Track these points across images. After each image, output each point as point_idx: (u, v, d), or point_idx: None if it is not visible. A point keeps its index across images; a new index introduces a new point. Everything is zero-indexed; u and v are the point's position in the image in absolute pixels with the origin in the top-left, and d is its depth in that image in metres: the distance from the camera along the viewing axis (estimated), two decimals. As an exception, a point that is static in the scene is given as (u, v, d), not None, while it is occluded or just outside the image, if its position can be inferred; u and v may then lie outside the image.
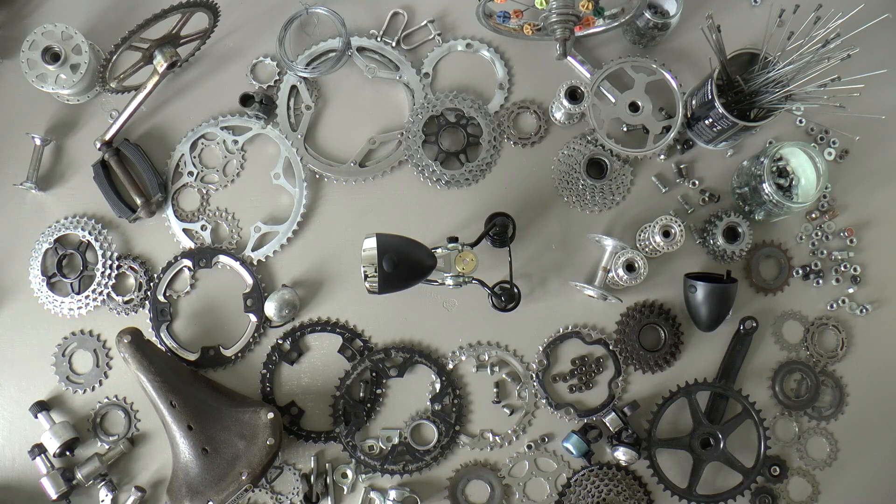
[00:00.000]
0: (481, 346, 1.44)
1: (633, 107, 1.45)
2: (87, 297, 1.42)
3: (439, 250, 1.32)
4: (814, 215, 1.48)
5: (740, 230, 1.42)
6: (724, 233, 1.42)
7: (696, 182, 1.48)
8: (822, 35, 1.29)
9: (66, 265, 1.44)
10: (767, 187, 1.33)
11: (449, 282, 1.32)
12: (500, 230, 1.41)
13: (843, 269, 1.47)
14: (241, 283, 1.44)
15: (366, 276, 1.22)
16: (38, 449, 1.37)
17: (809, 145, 1.38)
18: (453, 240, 1.33)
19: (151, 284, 1.43)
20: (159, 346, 1.41)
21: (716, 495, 1.38)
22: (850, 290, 1.47)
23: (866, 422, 1.45)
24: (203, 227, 1.45)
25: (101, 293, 1.43)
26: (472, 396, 1.44)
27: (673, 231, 1.35)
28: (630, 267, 1.35)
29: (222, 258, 1.43)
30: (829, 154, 1.48)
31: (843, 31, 1.30)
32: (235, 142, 1.46)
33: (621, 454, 1.36)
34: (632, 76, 1.46)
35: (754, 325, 1.40)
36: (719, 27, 1.31)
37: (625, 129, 1.46)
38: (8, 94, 1.49)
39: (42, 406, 1.40)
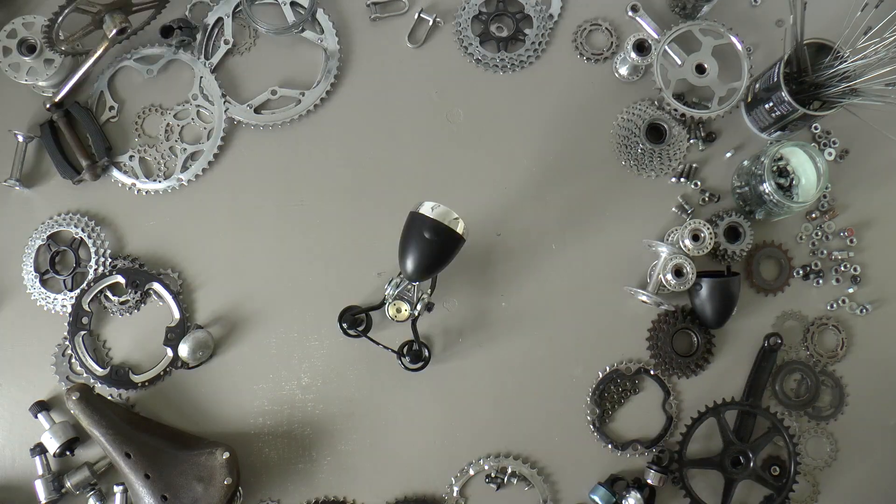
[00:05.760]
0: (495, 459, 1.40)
1: (700, 69, 1.44)
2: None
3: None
4: (814, 215, 1.48)
5: (741, 230, 1.41)
6: (725, 232, 1.42)
7: (698, 183, 1.48)
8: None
9: (59, 262, 1.43)
10: (768, 187, 1.32)
11: (389, 290, 1.31)
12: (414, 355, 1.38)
13: (843, 269, 1.47)
14: (169, 316, 1.42)
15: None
16: (40, 448, 1.35)
17: (809, 145, 1.37)
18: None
19: (79, 290, 1.41)
20: (71, 351, 1.40)
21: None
22: (850, 290, 1.47)
23: (866, 422, 1.45)
24: (131, 157, 1.45)
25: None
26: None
27: (702, 235, 1.36)
28: (678, 272, 1.35)
29: (156, 286, 1.41)
30: (830, 154, 1.48)
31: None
32: (150, 71, 1.46)
33: (651, 478, 1.36)
34: (699, 39, 1.45)
35: (779, 341, 1.40)
36: (805, 3, 1.28)
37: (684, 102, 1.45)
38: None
39: (42, 406, 1.38)
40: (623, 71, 1.47)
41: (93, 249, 1.41)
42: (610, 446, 1.40)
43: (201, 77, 1.45)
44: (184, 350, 1.36)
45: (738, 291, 1.38)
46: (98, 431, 1.28)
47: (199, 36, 1.46)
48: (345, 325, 1.36)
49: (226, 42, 1.47)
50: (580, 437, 1.41)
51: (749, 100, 1.44)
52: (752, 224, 1.43)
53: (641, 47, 1.41)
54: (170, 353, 1.41)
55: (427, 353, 1.36)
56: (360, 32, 1.50)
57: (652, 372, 1.41)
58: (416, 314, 1.32)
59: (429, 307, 1.34)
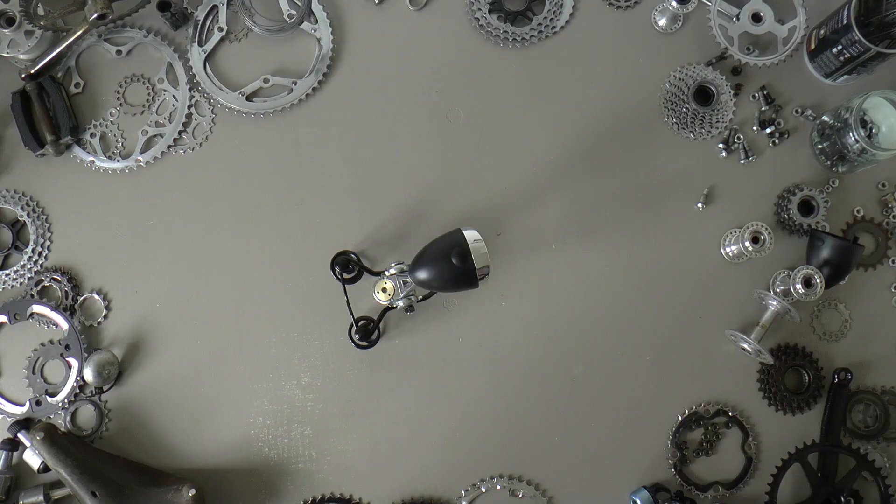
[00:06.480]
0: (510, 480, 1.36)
1: (756, 17, 1.44)
2: (7, 275, 1.37)
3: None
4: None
5: (814, 203, 1.39)
6: (799, 206, 1.40)
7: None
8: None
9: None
10: (854, 136, 1.29)
11: (392, 271, 1.27)
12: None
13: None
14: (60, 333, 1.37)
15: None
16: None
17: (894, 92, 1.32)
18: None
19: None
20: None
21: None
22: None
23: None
24: (92, 135, 1.43)
25: (25, 276, 1.38)
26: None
27: (762, 237, 1.34)
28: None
29: (35, 308, 1.36)
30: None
31: None
32: (119, 52, 1.45)
33: None
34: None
35: (848, 376, 1.36)
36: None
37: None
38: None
39: (21, 425, 1.32)
40: (662, 22, 1.45)
41: (33, 237, 1.39)
42: (692, 489, 1.37)
43: (168, 62, 1.45)
44: (89, 374, 1.31)
45: (856, 261, 1.36)
46: (64, 471, 1.27)
47: (194, 25, 1.45)
48: (337, 268, 1.33)
49: (220, 29, 1.45)
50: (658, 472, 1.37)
51: (813, 46, 1.42)
52: (827, 195, 1.40)
53: (682, -6, 1.39)
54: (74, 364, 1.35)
55: (376, 336, 1.35)
56: (357, 21, 1.45)
57: (730, 414, 1.39)
58: (394, 304, 1.27)
59: (409, 308, 1.28)
